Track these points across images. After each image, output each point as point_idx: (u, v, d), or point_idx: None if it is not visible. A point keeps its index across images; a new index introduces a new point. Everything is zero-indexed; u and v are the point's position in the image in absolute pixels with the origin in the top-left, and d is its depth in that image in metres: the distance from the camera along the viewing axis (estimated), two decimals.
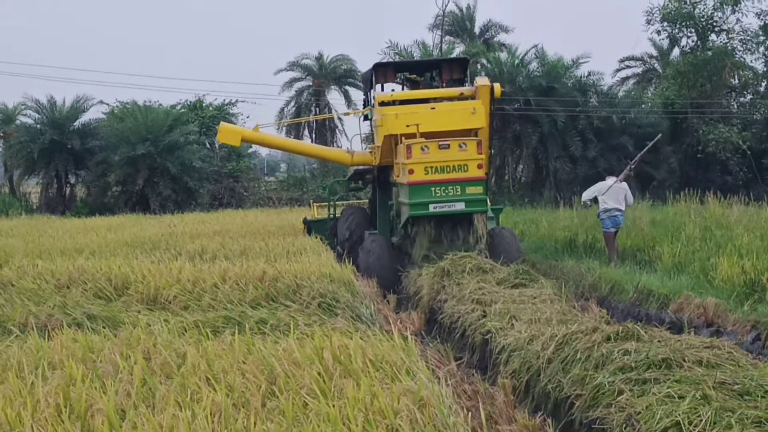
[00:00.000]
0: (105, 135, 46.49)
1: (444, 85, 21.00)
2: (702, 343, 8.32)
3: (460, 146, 17.72)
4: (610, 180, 20.63)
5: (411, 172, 17.63)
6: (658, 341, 8.53)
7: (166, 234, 23.24)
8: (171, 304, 12.31)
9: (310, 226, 24.77)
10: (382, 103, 19.82)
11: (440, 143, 17.67)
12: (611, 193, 20.04)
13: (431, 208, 17.70)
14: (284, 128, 52.71)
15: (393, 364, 7.60)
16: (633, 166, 21.24)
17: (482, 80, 19.66)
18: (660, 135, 27.96)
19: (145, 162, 43.78)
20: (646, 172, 42.90)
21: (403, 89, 21.27)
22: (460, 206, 17.74)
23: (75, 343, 8.87)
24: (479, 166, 17.78)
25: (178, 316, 11.33)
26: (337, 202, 26.38)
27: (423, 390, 6.56)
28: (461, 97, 19.69)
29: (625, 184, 20.45)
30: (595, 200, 20.79)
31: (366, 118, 22.18)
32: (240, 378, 7.33)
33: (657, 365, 7.77)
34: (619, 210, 20.09)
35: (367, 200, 25.36)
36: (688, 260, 17.19)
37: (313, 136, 57.48)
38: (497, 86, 19.51)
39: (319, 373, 7.27)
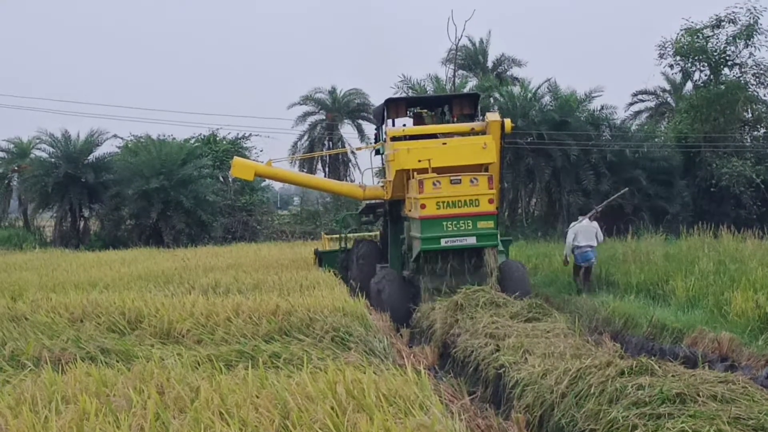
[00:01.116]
0: (119, 169, 46.65)
1: (455, 120, 21.18)
2: (716, 378, 8.28)
3: (471, 181, 17.94)
4: (582, 219, 22.27)
5: (423, 206, 17.77)
6: (672, 376, 8.49)
7: (180, 268, 23.30)
8: (184, 338, 12.31)
9: (321, 258, 25.00)
10: (394, 138, 20.09)
11: (452, 178, 17.87)
12: (583, 231, 21.82)
13: (443, 242, 17.85)
14: (297, 162, 52.83)
15: (406, 399, 7.58)
16: (600, 210, 23.21)
17: (493, 115, 20.02)
18: (627, 189, 30.43)
19: (159, 196, 43.95)
20: (660, 206, 42.87)
21: (414, 124, 21.40)
22: (471, 240, 17.91)
23: (88, 377, 8.86)
24: (490, 201, 17.99)
25: (191, 350, 11.34)
26: (348, 235, 26.52)
27: (436, 425, 6.55)
28: (472, 132, 19.95)
29: (595, 223, 22.33)
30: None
31: (377, 152, 22.36)
32: (253, 412, 7.31)
33: (671, 400, 7.74)
34: (591, 246, 21.77)
35: (378, 233, 25.46)
36: (702, 294, 17.15)
37: (326, 169, 57.64)
38: (507, 121, 19.91)
39: (332, 408, 7.25)
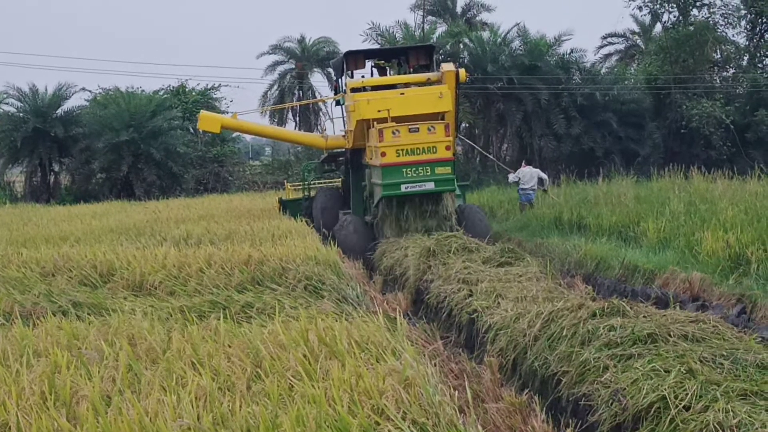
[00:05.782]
0: (88, 122, 46.24)
1: (411, 70, 21.86)
2: (687, 318, 8.33)
3: (429, 129, 18.71)
4: (526, 167, 26.36)
5: (383, 154, 18.52)
6: (644, 316, 8.55)
7: (151, 220, 23.19)
8: (157, 290, 12.28)
9: (285, 206, 25.94)
10: (354, 90, 20.75)
11: (410, 127, 18.63)
12: (526, 176, 25.80)
13: (403, 188, 18.67)
14: (268, 113, 52.56)
15: (378, 345, 7.59)
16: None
17: (448, 66, 20.93)
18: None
19: (129, 148, 43.72)
20: (631, 149, 43.02)
21: (372, 75, 22.09)
22: (430, 186, 18.73)
23: (60, 330, 8.83)
24: (447, 148, 18.79)
25: (163, 301, 11.33)
26: (311, 184, 27.21)
27: (408, 370, 6.55)
28: (428, 82, 20.66)
29: (538, 169, 27.00)
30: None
31: (338, 103, 23.22)
32: (225, 362, 7.31)
33: (642, 340, 7.79)
34: (533, 189, 25.80)
35: (340, 181, 26.03)
36: (673, 235, 17.21)
37: (297, 119, 57.20)
38: (462, 71, 20.81)
39: (304, 355, 7.26)
